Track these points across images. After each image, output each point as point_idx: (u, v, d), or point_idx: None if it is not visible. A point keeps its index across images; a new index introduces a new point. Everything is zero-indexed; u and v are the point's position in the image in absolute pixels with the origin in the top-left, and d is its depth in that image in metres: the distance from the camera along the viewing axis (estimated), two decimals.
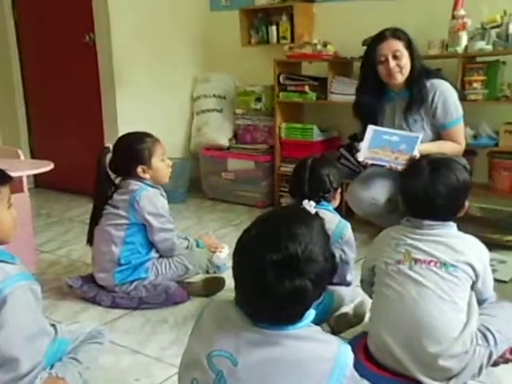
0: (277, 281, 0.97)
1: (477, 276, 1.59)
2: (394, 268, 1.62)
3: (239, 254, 1.06)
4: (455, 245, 1.59)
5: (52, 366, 1.45)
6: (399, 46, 2.52)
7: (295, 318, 1.05)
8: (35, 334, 1.33)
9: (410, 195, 1.66)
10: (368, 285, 1.80)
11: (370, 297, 1.84)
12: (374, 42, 2.58)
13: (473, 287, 1.60)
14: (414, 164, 1.73)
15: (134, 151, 2.22)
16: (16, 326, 1.28)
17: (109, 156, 2.25)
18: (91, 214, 2.32)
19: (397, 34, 2.54)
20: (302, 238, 1.00)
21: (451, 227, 1.65)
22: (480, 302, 1.64)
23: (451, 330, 1.52)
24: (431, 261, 1.58)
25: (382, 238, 1.75)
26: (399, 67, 2.54)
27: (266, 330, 1.03)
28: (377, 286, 1.70)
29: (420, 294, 1.55)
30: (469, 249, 1.60)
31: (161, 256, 2.31)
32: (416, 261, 1.59)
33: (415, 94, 2.58)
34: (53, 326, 1.49)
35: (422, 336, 1.53)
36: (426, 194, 1.61)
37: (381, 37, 2.55)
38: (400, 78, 2.58)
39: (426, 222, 1.62)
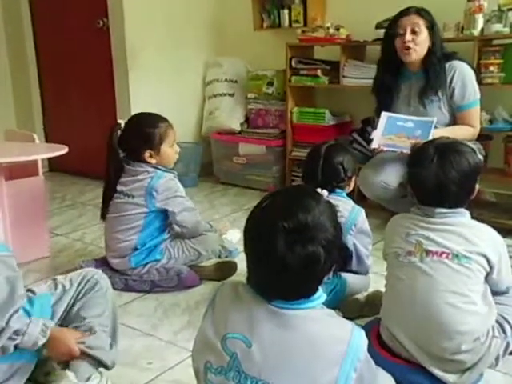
0: (289, 248, 0.99)
1: (491, 267, 1.52)
2: (405, 260, 1.57)
3: (250, 226, 1.08)
4: (469, 235, 1.52)
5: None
6: (420, 22, 2.52)
7: (308, 291, 1.06)
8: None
9: (421, 184, 1.58)
10: None
11: None
12: (397, 16, 2.60)
13: (487, 278, 1.54)
14: (420, 152, 1.62)
15: (144, 134, 2.16)
16: None
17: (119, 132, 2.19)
18: (104, 188, 2.27)
19: (421, 12, 2.55)
20: (311, 208, 1.04)
21: (464, 215, 1.58)
22: (496, 293, 1.60)
23: (464, 324, 1.47)
24: (443, 252, 1.52)
25: (392, 226, 1.69)
26: (414, 43, 2.53)
27: (279, 310, 1.04)
28: (388, 276, 1.66)
29: (431, 289, 1.50)
30: (483, 239, 1.53)
31: (174, 238, 2.31)
32: (427, 252, 1.53)
33: (431, 78, 2.56)
34: (29, 290, 1.55)
35: (432, 331, 1.49)
36: (437, 181, 1.53)
37: (405, 11, 2.57)
38: (413, 54, 2.56)
39: (438, 210, 1.56)
